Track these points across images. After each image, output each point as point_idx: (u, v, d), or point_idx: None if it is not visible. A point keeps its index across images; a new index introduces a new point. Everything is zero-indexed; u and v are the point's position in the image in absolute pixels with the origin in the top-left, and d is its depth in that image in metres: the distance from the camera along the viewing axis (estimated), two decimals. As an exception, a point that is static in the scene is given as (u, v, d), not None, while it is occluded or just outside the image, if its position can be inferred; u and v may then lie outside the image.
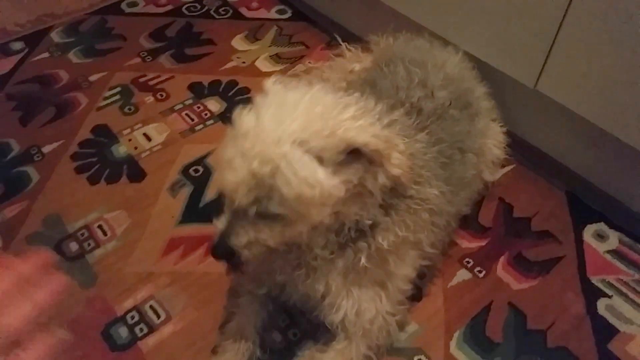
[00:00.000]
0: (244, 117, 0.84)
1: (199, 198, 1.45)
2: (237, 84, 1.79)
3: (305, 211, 0.84)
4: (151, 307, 1.23)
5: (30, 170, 1.52)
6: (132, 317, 1.22)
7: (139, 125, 1.65)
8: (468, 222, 1.38)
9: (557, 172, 1.49)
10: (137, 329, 1.20)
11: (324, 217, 0.88)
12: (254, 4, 2.11)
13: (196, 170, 1.52)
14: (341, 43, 1.54)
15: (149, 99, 1.74)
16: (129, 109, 1.70)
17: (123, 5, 2.11)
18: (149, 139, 1.61)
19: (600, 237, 1.37)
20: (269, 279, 1.11)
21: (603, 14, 1.13)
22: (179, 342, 1.18)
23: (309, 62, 1.84)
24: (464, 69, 1.29)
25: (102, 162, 1.55)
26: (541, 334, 1.20)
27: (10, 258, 0.58)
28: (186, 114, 1.69)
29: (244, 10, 2.09)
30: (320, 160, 0.81)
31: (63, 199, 1.45)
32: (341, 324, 1.07)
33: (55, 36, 1.98)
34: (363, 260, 0.98)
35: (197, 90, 1.77)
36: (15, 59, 1.88)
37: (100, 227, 1.39)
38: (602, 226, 1.40)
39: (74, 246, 1.35)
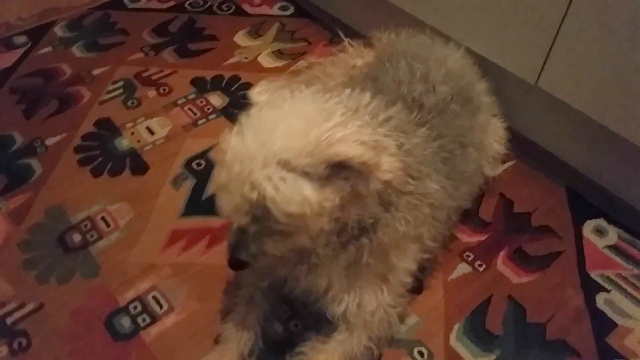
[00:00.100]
0: (231, 140, 0.85)
1: (202, 191, 1.46)
2: (239, 79, 1.80)
3: (303, 224, 0.85)
4: (154, 297, 1.24)
5: (33, 162, 1.53)
6: (135, 307, 1.23)
7: (142, 119, 1.66)
8: (469, 217, 1.39)
9: (557, 168, 1.50)
10: (139, 319, 1.21)
11: (323, 225, 0.89)
12: (257, 1, 2.12)
13: (199, 164, 1.53)
14: (344, 39, 1.55)
15: (152, 93, 1.75)
16: (132, 103, 1.71)
17: (126, 1, 2.12)
18: (151, 132, 1.62)
19: (600, 232, 1.38)
20: (271, 272, 1.12)
21: (605, 10, 1.14)
22: (181, 332, 1.19)
23: (311, 59, 1.84)
24: (465, 64, 1.30)
25: (105, 155, 1.56)
26: (540, 327, 1.21)
27: None
28: (189, 109, 1.70)
29: (246, 7, 2.10)
30: (307, 175, 0.82)
31: (66, 191, 1.46)
32: (342, 315, 1.08)
33: (59, 30, 1.99)
34: (365, 256, 0.99)
35: (200, 85, 1.78)
36: (18, 52, 1.89)
37: (103, 218, 1.40)
38: (601, 222, 1.41)
39: (77, 237, 1.36)
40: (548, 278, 1.29)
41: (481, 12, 1.39)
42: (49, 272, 1.29)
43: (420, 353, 1.16)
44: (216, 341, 1.16)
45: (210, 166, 1.52)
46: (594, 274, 1.30)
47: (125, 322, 1.20)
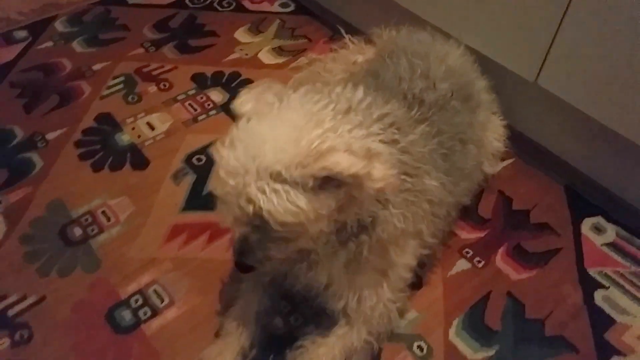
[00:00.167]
0: (223, 154, 0.86)
1: (202, 186, 1.47)
2: (240, 75, 1.80)
3: (302, 230, 0.87)
4: (155, 291, 1.25)
5: (34, 156, 1.53)
6: (136, 301, 1.23)
7: (142, 114, 1.66)
8: (468, 214, 1.40)
9: (556, 166, 1.51)
10: (140, 313, 1.21)
11: (322, 228, 0.90)
12: (257, -3, 2.13)
13: (199, 159, 1.53)
14: (345, 35, 1.56)
15: (152, 88, 1.75)
16: (133, 98, 1.71)
17: (127, -4, 2.12)
18: (152, 127, 1.63)
19: (598, 230, 1.39)
20: (272, 269, 1.13)
21: (604, 8, 1.15)
22: (182, 326, 1.19)
23: (312, 56, 1.85)
24: (465, 61, 1.31)
25: (106, 149, 1.56)
26: (539, 323, 1.22)
27: None
28: (189, 104, 1.70)
29: (247, 3, 2.10)
30: (300, 186, 0.83)
31: (67, 185, 1.46)
32: (342, 310, 1.09)
33: (59, 25, 1.99)
34: (365, 252, 1.00)
35: (200, 81, 1.78)
36: (19, 47, 1.89)
37: (104, 213, 1.40)
38: (600, 219, 1.42)
39: (77, 231, 1.36)
40: (547, 275, 1.30)
41: (481, 10, 1.40)
42: (50, 266, 1.29)
43: (420, 348, 1.17)
44: (217, 335, 1.16)
45: (210, 162, 1.52)
46: (592, 271, 1.31)
47: (126, 315, 1.21)
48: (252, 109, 0.91)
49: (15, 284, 1.26)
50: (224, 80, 1.79)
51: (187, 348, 1.15)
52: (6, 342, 1.16)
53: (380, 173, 0.83)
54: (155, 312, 1.21)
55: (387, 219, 0.99)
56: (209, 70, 1.82)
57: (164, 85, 1.76)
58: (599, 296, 1.27)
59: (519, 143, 1.51)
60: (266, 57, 1.88)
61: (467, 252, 1.34)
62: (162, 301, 1.23)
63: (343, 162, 0.80)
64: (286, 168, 0.81)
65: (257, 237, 0.90)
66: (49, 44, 1.91)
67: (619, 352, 1.17)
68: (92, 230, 1.36)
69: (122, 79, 1.78)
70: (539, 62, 1.33)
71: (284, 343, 1.16)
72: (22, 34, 1.94)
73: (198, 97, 1.72)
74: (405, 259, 1.11)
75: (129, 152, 1.55)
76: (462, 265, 1.32)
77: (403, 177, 0.99)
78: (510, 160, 1.53)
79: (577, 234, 1.38)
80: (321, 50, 1.87)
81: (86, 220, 1.38)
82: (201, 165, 1.52)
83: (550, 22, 1.26)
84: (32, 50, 1.88)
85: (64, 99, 1.71)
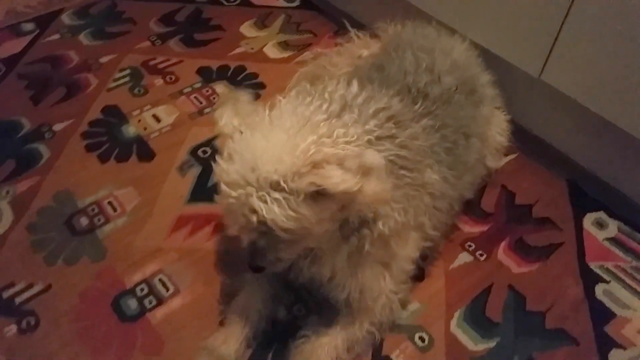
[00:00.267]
0: (223, 168, 0.88)
1: (207, 178, 1.48)
2: (245, 69, 1.81)
3: (307, 232, 0.89)
4: (160, 280, 1.26)
5: (41, 147, 1.55)
6: (142, 290, 1.24)
7: (148, 106, 1.68)
8: (471, 208, 1.41)
9: (558, 162, 1.51)
10: (146, 301, 1.23)
11: (327, 228, 0.93)
12: (263, -8, 2.14)
13: (204, 152, 1.55)
14: (350, 29, 1.56)
15: (159, 81, 1.76)
16: (139, 91, 1.73)
17: (133, -10, 2.13)
18: (158, 120, 1.64)
19: (600, 225, 1.40)
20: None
21: (609, 4, 1.16)
22: (187, 315, 1.21)
23: (317, 50, 1.86)
24: (470, 56, 1.31)
25: (112, 141, 1.57)
26: (540, 316, 1.23)
27: None
28: (195, 97, 1.71)
29: (252, -2, 2.12)
30: (299, 194, 0.84)
31: (73, 176, 1.48)
32: (345, 301, 1.10)
33: (66, 18, 2.00)
34: (367, 246, 1.01)
35: (206, 75, 1.79)
36: (26, 39, 1.90)
37: (110, 203, 1.41)
38: (602, 215, 1.43)
39: (84, 221, 1.37)
40: (548, 268, 1.31)
41: (485, 5, 1.40)
42: (57, 254, 1.31)
43: (422, 338, 1.18)
44: (221, 324, 1.17)
45: (216, 154, 1.52)
46: (594, 265, 1.32)
47: (132, 304, 1.22)
48: (239, 123, 0.93)
49: (22, 272, 1.27)
50: (229, 74, 1.80)
51: (192, 336, 1.17)
52: (13, 329, 1.18)
53: (372, 190, 0.85)
54: (160, 301, 1.23)
55: (388, 213, 1.00)
56: (214, 64, 1.83)
57: (170, 78, 1.77)
58: (599, 290, 1.28)
59: (522, 138, 1.52)
60: (271, 51, 1.89)
61: (470, 246, 1.35)
62: (168, 290, 1.25)
63: (334, 178, 0.82)
64: (284, 178, 0.83)
65: (265, 242, 0.93)
66: (56, 36, 1.92)
67: (619, 345, 1.18)
68: (99, 220, 1.38)
69: (128, 71, 1.79)
70: (543, 57, 1.34)
71: (288, 332, 1.17)
72: (30, 26, 1.96)
73: (204, 90, 1.74)
74: (407, 251, 1.12)
75: (135, 143, 1.57)
76: (464, 258, 1.33)
77: (402, 171, 1.00)
78: (513, 155, 1.54)
79: (579, 228, 1.39)
80: (326, 45, 1.88)
81: (92, 210, 1.40)
82: (206, 158, 1.53)
83: (554, 18, 1.27)
84: (39, 43, 1.89)
85: (71, 90, 1.72)
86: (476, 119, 1.24)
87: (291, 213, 0.85)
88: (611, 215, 1.42)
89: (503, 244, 1.36)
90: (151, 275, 1.27)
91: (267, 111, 0.94)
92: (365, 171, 0.84)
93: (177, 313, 1.21)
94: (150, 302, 1.23)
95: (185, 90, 1.74)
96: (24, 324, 1.19)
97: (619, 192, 1.43)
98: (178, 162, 1.52)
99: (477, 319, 1.22)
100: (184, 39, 1.93)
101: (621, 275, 1.30)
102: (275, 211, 0.84)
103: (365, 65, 1.31)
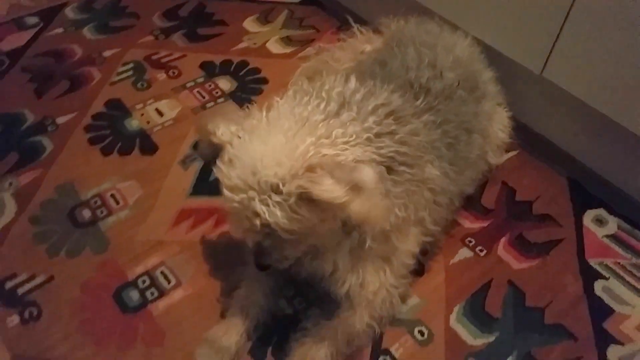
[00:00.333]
0: (225, 173, 0.89)
1: (210, 172, 1.48)
2: (247, 64, 1.82)
3: (310, 231, 0.90)
4: (162, 272, 1.27)
5: (44, 140, 1.56)
6: (144, 282, 1.25)
7: (151, 100, 1.69)
8: (471, 204, 1.42)
9: (559, 159, 1.52)
10: (147, 293, 1.23)
11: (330, 226, 0.94)
12: (266, -13, 2.14)
13: (207, 146, 1.55)
14: (353, 24, 1.57)
15: (162, 75, 1.77)
16: (142, 85, 1.74)
17: (137, -16, 2.14)
18: (160, 114, 1.65)
19: (600, 222, 1.41)
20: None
21: (612, 1, 1.16)
22: (188, 307, 1.22)
23: (320, 46, 1.86)
24: (472, 52, 1.31)
25: (115, 134, 1.58)
26: (539, 311, 1.23)
27: None
28: (197, 92, 1.72)
29: (256, -7, 2.12)
30: (300, 195, 0.85)
31: (76, 169, 1.49)
32: (346, 295, 1.11)
33: (70, 12, 2.01)
34: (368, 241, 1.02)
35: (209, 69, 1.80)
36: (30, 33, 1.91)
37: (112, 196, 1.42)
38: (602, 212, 1.43)
39: (86, 213, 1.38)
40: (548, 264, 1.32)
41: (488, 1, 1.41)
42: (59, 246, 1.31)
43: (421, 332, 1.19)
44: (222, 316, 1.18)
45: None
46: (593, 262, 1.33)
47: (134, 296, 1.23)
48: (237, 129, 0.94)
49: (24, 264, 1.28)
50: (232, 68, 1.80)
51: (193, 328, 1.17)
52: (15, 319, 1.19)
53: (358, 207, 0.83)
54: (162, 293, 1.24)
55: (389, 208, 1.00)
56: (217, 59, 1.84)
57: (173, 73, 1.78)
58: (598, 286, 1.28)
59: (524, 135, 1.52)
60: (274, 46, 1.89)
61: (470, 241, 1.36)
62: (169, 282, 1.25)
63: (322, 185, 0.82)
64: (284, 181, 0.84)
65: (270, 242, 0.95)
66: (60, 30, 1.93)
67: (617, 341, 1.19)
68: (101, 212, 1.38)
69: (131, 65, 1.80)
70: (545, 54, 1.34)
71: (288, 325, 1.18)
72: (33, 20, 1.97)
73: (206, 85, 1.74)
74: (407, 245, 1.12)
75: (138, 137, 1.58)
76: (464, 253, 1.33)
77: (402, 168, 1.00)
78: (514, 152, 1.54)
79: (579, 225, 1.40)
80: (329, 40, 1.88)
81: (95, 202, 1.41)
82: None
83: (557, 15, 1.27)
84: (43, 37, 1.90)
85: (74, 84, 1.73)
86: (478, 115, 1.24)
87: (293, 215, 0.86)
88: (611, 212, 1.43)
89: (503, 240, 1.36)
90: (153, 267, 1.28)
91: (264, 112, 0.95)
92: (354, 187, 0.83)
93: (179, 305, 1.22)
94: (152, 294, 1.23)
95: (188, 85, 1.74)
96: (26, 314, 1.20)
97: (619, 190, 1.43)
98: (180, 156, 1.53)
99: (477, 314, 1.22)
100: (187, 33, 1.94)
101: (620, 272, 1.31)
102: (277, 214, 0.86)
103: (367, 60, 1.31)
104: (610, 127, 1.31)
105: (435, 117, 1.12)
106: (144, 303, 1.22)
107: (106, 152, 1.53)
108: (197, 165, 1.50)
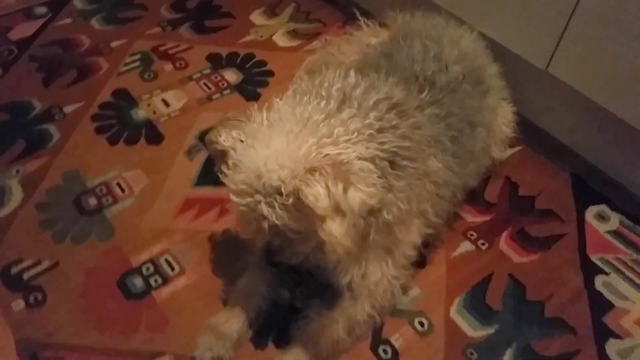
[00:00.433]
0: (230, 178, 0.91)
1: (214, 163, 1.49)
2: (254, 56, 1.83)
3: (318, 227, 0.90)
4: (166, 260, 1.28)
5: (51, 128, 1.57)
6: (148, 269, 1.27)
7: (158, 91, 1.70)
8: (474, 198, 1.42)
9: (562, 154, 1.52)
10: (151, 280, 1.25)
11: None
12: (274, -19, 2.15)
13: (212, 137, 1.56)
14: (360, 18, 1.57)
15: (168, 67, 1.78)
16: (149, 76, 1.75)
17: (145, -24, 2.15)
18: (167, 104, 1.66)
19: (602, 218, 1.41)
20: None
21: (616, -3, 1.17)
22: (191, 294, 1.23)
23: (326, 39, 1.87)
24: (478, 46, 1.32)
25: (122, 124, 1.60)
26: (539, 305, 1.24)
27: None
28: (204, 83, 1.73)
29: (263, -14, 2.13)
30: (288, 195, 0.87)
31: (83, 157, 1.50)
32: (348, 285, 1.12)
33: (78, 3, 2.02)
34: (372, 234, 1.03)
35: (215, 61, 1.81)
36: (38, 22, 1.93)
37: (118, 184, 1.44)
38: (604, 208, 1.43)
39: (92, 201, 1.40)
40: (549, 259, 1.33)
41: (495, -3, 1.41)
42: (65, 233, 1.33)
43: (421, 323, 1.20)
44: (225, 303, 1.20)
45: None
46: (594, 257, 1.33)
47: (138, 282, 1.24)
48: (238, 134, 0.95)
49: (30, 249, 1.30)
50: (238, 61, 1.81)
51: (196, 315, 1.19)
52: (21, 303, 1.20)
53: (331, 228, 0.85)
54: (165, 280, 1.25)
55: (391, 201, 1.01)
56: (224, 51, 1.85)
57: (180, 64, 1.79)
58: (599, 281, 1.29)
59: (528, 130, 1.52)
60: (281, 39, 1.90)
61: (472, 235, 1.36)
62: (173, 270, 1.27)
63: (312, 189, 0.84)
64: (288, 182, 0.86)
65: (279, 241, 0.97)
66: (68, 20, 1.95)
67: (616, 335, 1.19)
68: (107, 200, 1.40)
69: (138, 56, 1.81)
70: (550, 50, 1.35)
71: (289, 314, 1.19)
72: (42, 10, 1.98)
73: (213, 77, 1.75)
74: (410, 237, 1.13)
75: (144, 127, 1.59)
76: (465, 246, 1.34)
77: (405, 162, 1.01)
78: (518, 147, 1.55)
79: (581, 220, 1.40)
80: (335, 34, 1.89)
81: (101, 190, 1.42)
82: (214, 142, 1.55)
83: (562, 11, 1.27)
84: (51, 26, 1.92)
85: (82, 74, 1.74)
86: (482, 109, 1.25)
87: (298, 215, 0.88)
88: (613, 208, 1.43)
89: (505, 234, 1.37)
90: (157, 255, 1.29)
91: (264, 115, 0.96)
92: (338, 208, 0.85)
93: (182, 292, 1.23)
94: (155, 281, 1.25)
95: (195, 76, 1.75)
96: (31, 299, 1.21)
97: (621, 186, 1.44)
98: (186, 146, 1.54)
99: (477, 306, 1.23)
100: (194, 25, 1.95)
101: (621, 267, 1.31)
102: (283, 215, 0.88)
103: (373, 53, 1.32)
104: (614, 123, 1.31)
105: (440, 110, 1.13)
106: (148, 290, 1.23)
107: (112, 141, 1.55)
108: (202, 156, 1.51)
